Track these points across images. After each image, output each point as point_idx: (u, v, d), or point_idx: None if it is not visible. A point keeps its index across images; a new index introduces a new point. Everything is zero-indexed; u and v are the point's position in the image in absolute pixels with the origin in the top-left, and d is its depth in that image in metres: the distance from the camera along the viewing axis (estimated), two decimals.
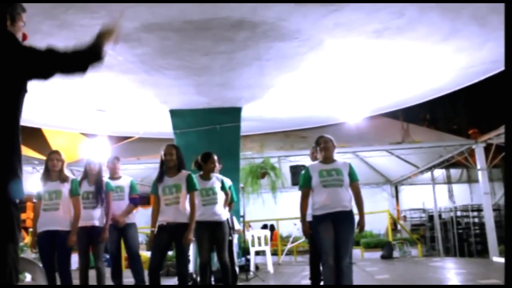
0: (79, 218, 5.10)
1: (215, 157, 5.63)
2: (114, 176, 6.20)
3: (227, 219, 5.98)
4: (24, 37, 2.20)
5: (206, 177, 5.56)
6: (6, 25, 2.10)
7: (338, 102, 9.06)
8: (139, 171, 13.85)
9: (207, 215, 5.40)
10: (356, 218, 4.70)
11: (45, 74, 2.05)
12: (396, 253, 12.53)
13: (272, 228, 14.71)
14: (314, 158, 5.63)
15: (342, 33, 5.98)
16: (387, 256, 11.97)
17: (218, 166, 6.23)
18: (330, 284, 4.54)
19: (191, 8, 5.22)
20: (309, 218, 4.83)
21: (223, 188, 5.70)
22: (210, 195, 5.49)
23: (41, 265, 2.40)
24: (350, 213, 4.60)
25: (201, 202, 5.33)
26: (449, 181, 16.46)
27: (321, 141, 4.77)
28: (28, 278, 8.53)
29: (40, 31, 5.45)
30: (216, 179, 5.64)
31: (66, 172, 5.18)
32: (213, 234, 5.44)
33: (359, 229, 4.74)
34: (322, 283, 5.40)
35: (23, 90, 2.01)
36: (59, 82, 6.88)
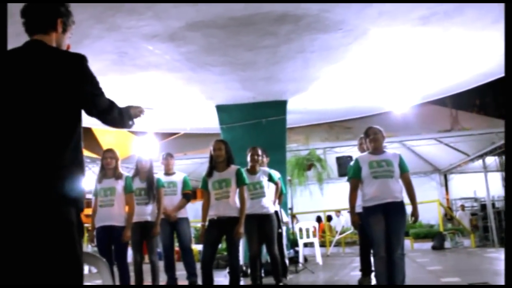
0: (133, 214, 5.27)
1: (259, 151, 5.69)
2: (168, 172, 6.40)
3: (276, 212, 6.04)
4: (68, 48, 2.28)
5: (252, 171, 5.64)
6: (57, 30, 2.17)
7: (385, 92, 8.92)
8: (186, 166, 14.13)
9: (255, 208, 5.49)
10: (408, 208, 4.66)
11: (88, 107, 2.15)
12: (447, 244, 12.26)
13: (319, 219, 14.68)
14: (362, 149, 5.60)
15: (387, 21, 5.88)
16: (439, 246, 11.73)
17: (265, 159, 6.31)
18: (382, 275, 4.52)
19: (235, 4, 5.27)
20: (357, 209, 4.82)
21: (271, 179, 5.78)
22: (257, 189, 5.58)
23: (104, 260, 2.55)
24: (401, 204, 4.56)
25: (249, 196, 5.41)
26: (502, 168, 15.86)
27: (370, 132, 4.73)
28: (85, 270, 8.90)
29: (91, 35, 5.65)
30: (263, 173, 5.72)
31: (121, 169, 5.37)
32: (262, 227, 5.52)
33: (413, 220, 4.69)
34: (373, 274, 5.38)
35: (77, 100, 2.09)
36: (106, 82, 7.13)
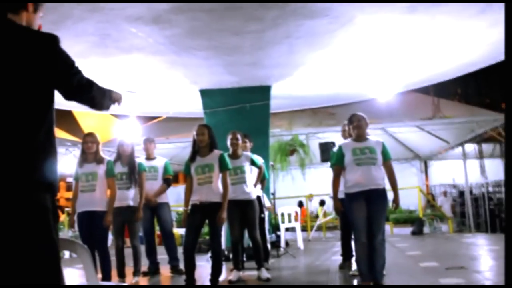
0: (115, 198, 5.22)
1: (238, 135, 5.66)
2: (149, 157, 6.36)
3: (258, 197, 6.06)
4: (39, 27, 2.21)
5: (235, 156, 5.61)
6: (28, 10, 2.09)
7: (369, 79, 8.94)
8: (168, 150, 14.02)
9: (237, 193, 5.49)
10: (389, 195, 4.71)
11: (64, 88, 2.09)
12: (426, 229, 12.47)
13: (300, 204, 14.75)
14: (345, 135, 5.62)
15: (373, 8, 5.86)
16: (418, 232, 11.93)
17: (249, 144, 6.30)
18: (362, 260, 4.58)
19: None
20: (340, 195, 4.86)
21: (253, 163, 5.77)
22: (238, 174, 5.57)
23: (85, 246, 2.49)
24: (383, 191, 4.61)
25: (231, 181, 5.38)
26: (481, 156, 16.11)
27: (354, 119, 4.74)
28: (66, 255, 8.84)
29: (73, 15, 5.49)
30: (245, 158, 5.71)
31: (102, 153, 5.30)
32: (244, 212, 5.53)
33: (394, 207, 4.76)
34: (354, 259, 5.45)
35: (49, 83, 2.03)
36: (88, 64, 7.00)
